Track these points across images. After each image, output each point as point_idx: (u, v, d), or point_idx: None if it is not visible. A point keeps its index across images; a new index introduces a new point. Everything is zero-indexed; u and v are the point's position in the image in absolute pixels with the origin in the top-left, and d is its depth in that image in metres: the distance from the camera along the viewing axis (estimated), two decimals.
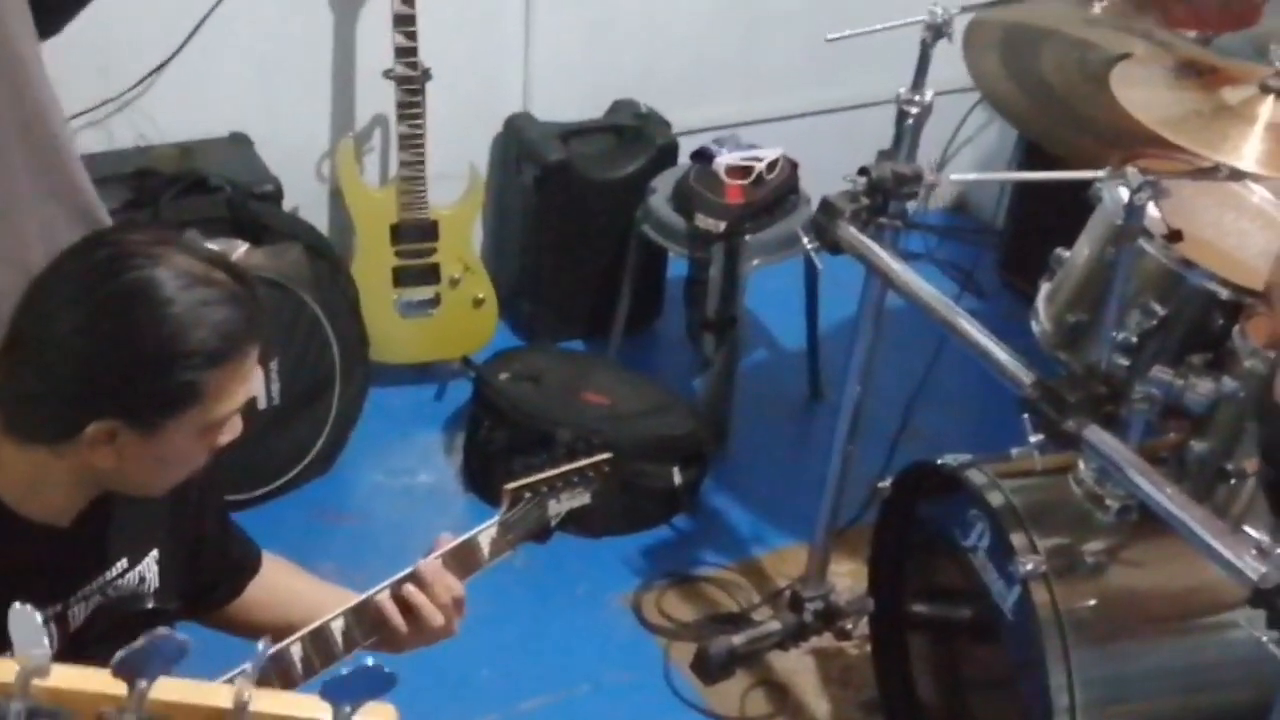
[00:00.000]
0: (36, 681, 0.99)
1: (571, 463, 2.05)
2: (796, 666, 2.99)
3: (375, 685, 0.97)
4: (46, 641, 0.99)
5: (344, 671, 1.00)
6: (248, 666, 0.99)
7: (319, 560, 2.91)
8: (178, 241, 1.62)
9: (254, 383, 1.69)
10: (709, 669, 2.85)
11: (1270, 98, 2.27)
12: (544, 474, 1.99)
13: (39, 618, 1.54)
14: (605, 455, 2.08)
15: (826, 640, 2.97)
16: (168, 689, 0.99)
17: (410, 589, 1.83)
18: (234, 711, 0.98)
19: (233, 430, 1.66)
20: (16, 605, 1.50)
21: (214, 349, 1.54)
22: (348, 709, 0.96)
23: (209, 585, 1.94)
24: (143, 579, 1.77)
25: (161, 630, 1.30)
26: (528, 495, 1.96)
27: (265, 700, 1.00)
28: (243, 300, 1.58)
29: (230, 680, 1.68)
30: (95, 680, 1.02)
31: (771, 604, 3.10)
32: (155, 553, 1.79)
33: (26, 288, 1.58)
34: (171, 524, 1.81)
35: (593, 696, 2.91)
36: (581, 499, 2.05)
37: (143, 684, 0.98)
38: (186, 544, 1.86)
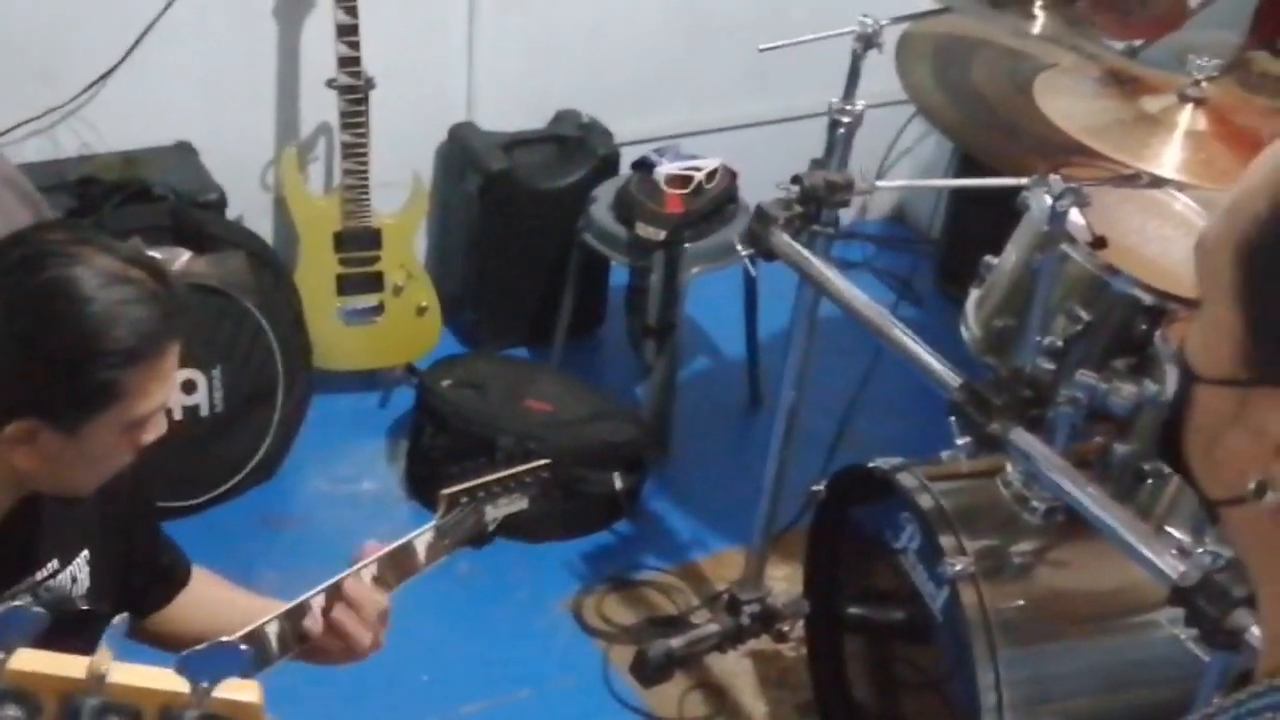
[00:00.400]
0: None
1: (509, 469, 2.04)
2: (734, 669, 3.00)
3: (234, 662, 0.97)
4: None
5: (200, 647, 0.99)
6: (108, 639, 0.98)
7: (262, 568, 2.96)
8: (96, 241, 1.60)
9: (174, 381, 1.68)
10: (647, 672, 2.85)
11: (1189, 106, 2.33)
12: (481, 479, 1.98)
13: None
14: (543, 461, 2.08)
15: (764, 643, 2.97)
16: (27, 660, 0.98)
17: (338, 613, 1.81)
18: (91, 681, 0.97)
19: (156, 429, 1.65)
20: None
21: (132, 347, 1.53)
22: (205, 684, 0.96)
23: (139, 590, 1.92)
24: (74, 579, 1.76)
25: (17, 603, 1.31)
26: (464, 500, 1.96)
27: (122, 673, 0.98)
28: (162, 298, 1.57)
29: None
30: None
31: (710, 607, 3.11)
32: (86, 553, 1.77)
33: None
34: (102, 525, 1.80)
35: (533, 700, 2.92)
36: (519, 504, 2.04)
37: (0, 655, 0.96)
38: (117, 547, 1.84)
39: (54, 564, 1.72)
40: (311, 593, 1.81)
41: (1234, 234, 0.87)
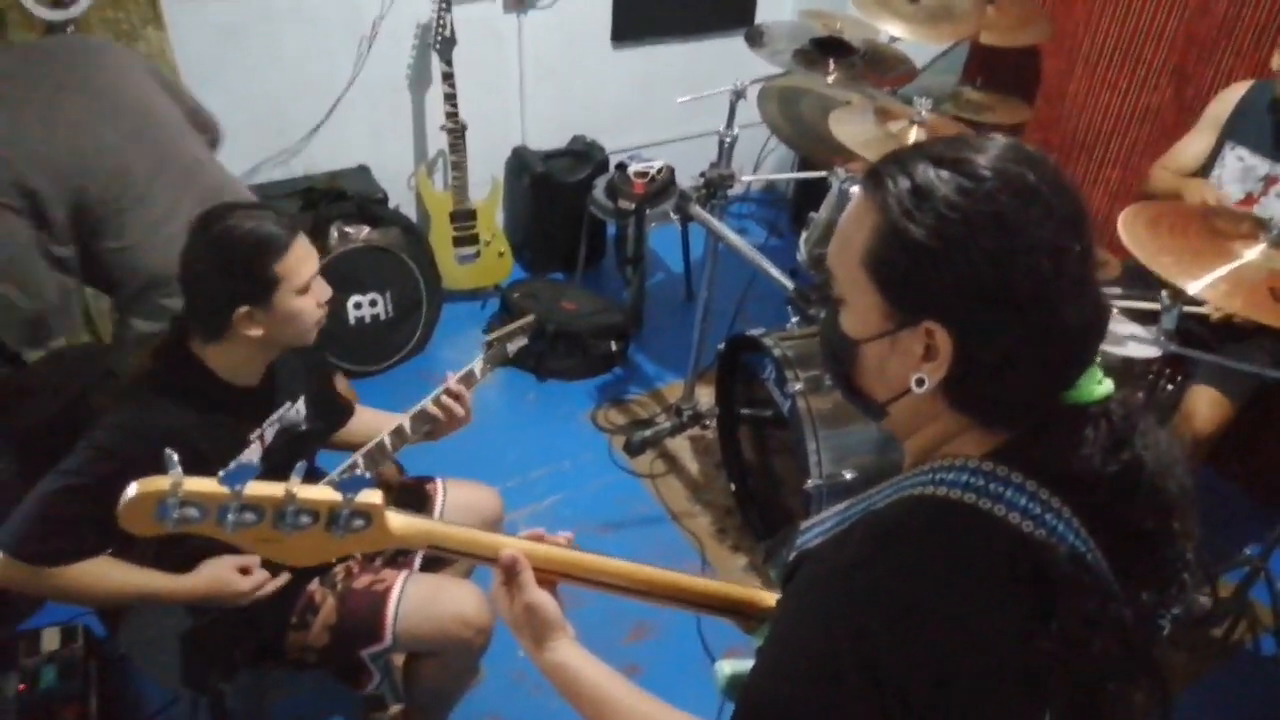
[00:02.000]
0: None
1: (518, 321, 1.96)
2: (679, 446, 3.01)
3: (365, 482, 0.95)
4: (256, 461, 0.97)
5: (344, 477, 0.98)
6: (295, 472, 0.93)
7: (418, 398, 2.94)
8: (238, 204, 1.57)
9: (313, 258, 1.57)
10: (632, 450, 2.91)
11: (915, 128, 2.29)
12: (502, 330, 1.90)
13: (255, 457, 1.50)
14: (530, 318, 1.98)
15: (695, 432, 3.02)
16: (253, 487, 0.92)
17: (446, 399, 1.75)
18: (287, 496, 0.93)
19: (321, 290, 1.58)
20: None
21: (276, 245, 1.50)
22: (350, 495, 0.94)
23: (335, 414, 1.88)
24: (299, 412, 1.73)
25: (243, 461, 1.31)
26: (494, 343, 1.88)
27: (304, 490, 0.94)
28: (282, 219, 1.53)
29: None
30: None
31: (666, 413, 3.10)
32: (303, 397, 1.74)
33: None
34: (308, 381, 1.76)
35: (571, 467, 2.90)
36: (521, 341, 1.94)
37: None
38: (318, 392, 1.80)
39: (287, 404, 1.70)
40: (428, 397, 1.77)
41: (859, 248, 0.84)
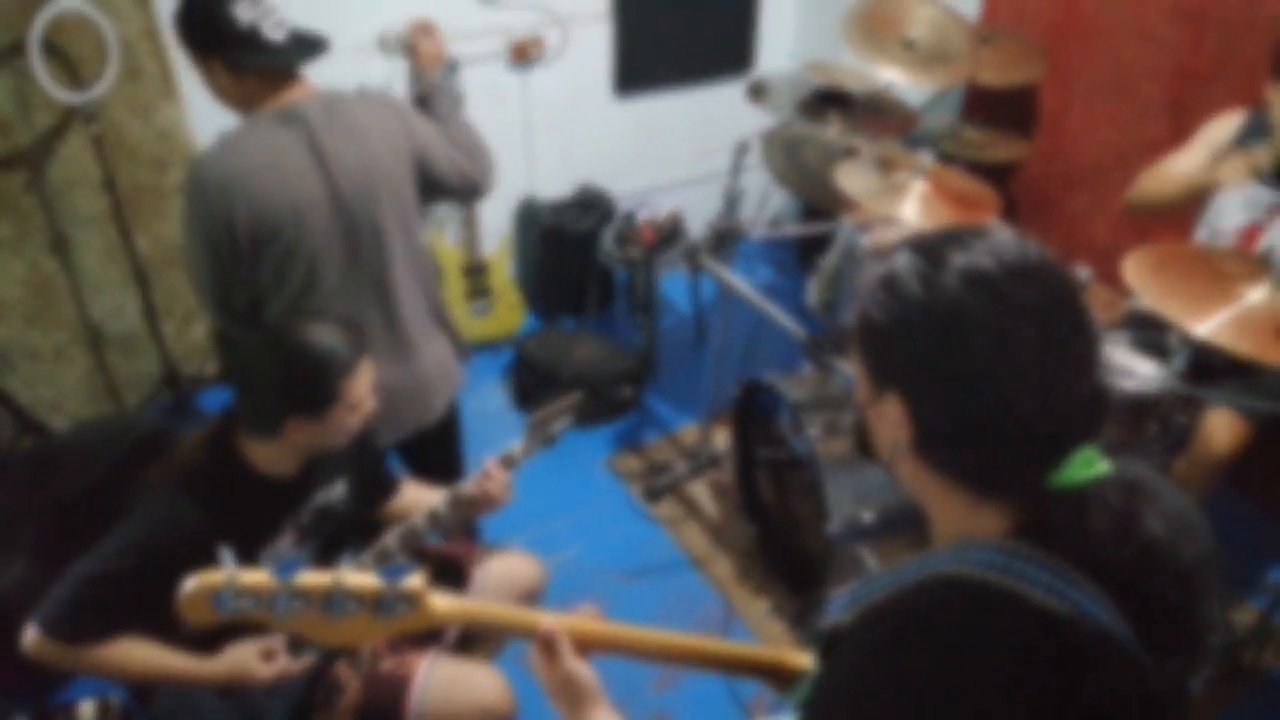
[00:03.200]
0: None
1: (564, 399, 1.90)
2: (698, 490, 3.01)
3: (406, 569, 1.03)
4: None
5: (385, 564, 1.03)
6: (345, 562, 0.97)
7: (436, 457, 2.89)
8: (309, 317, 1.60)
9: (370, 378, 1.61)
10: (651, 496, 2.94)
11: (919, 179, 2.28)
12: (546, 410, 1.85)
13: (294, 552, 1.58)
14: (576, 395, 1.93)
15: (713, 475, 3.03)
16: (303, 577, 0.98)
17: (485, 484, 1.76)
18: (334, 584, 0.98)
19: (368, 405, 1.62)
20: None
21: (345, 365, 1.55)
22: (393, 581, 1.00)
23: (376, 495, 1.90)
24: (338, 494, 1.75)
25: (297, 553, 1.31)
26: (538, 423, 1.85)
27: (351, 577, 0.99)
28: (351, 338, 1.58)
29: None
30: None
31: (682, 458, 3.11)
32: (343, 481, 1.76)
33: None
34: (350, 463, 1.78)
35: (592, 514, 2.90)
36: (566, 422, 1.90)
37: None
38: (361, 473, 1.82)
39: (326, 488, 1.72)
40: (466, 480, 1.78)
41: (854, 323, 0.94)
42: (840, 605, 1.00)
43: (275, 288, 1.85)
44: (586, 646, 1.09)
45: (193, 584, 0.96)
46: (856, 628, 0.92)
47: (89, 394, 3.12)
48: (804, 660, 1.16)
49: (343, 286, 1.88)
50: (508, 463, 1.82)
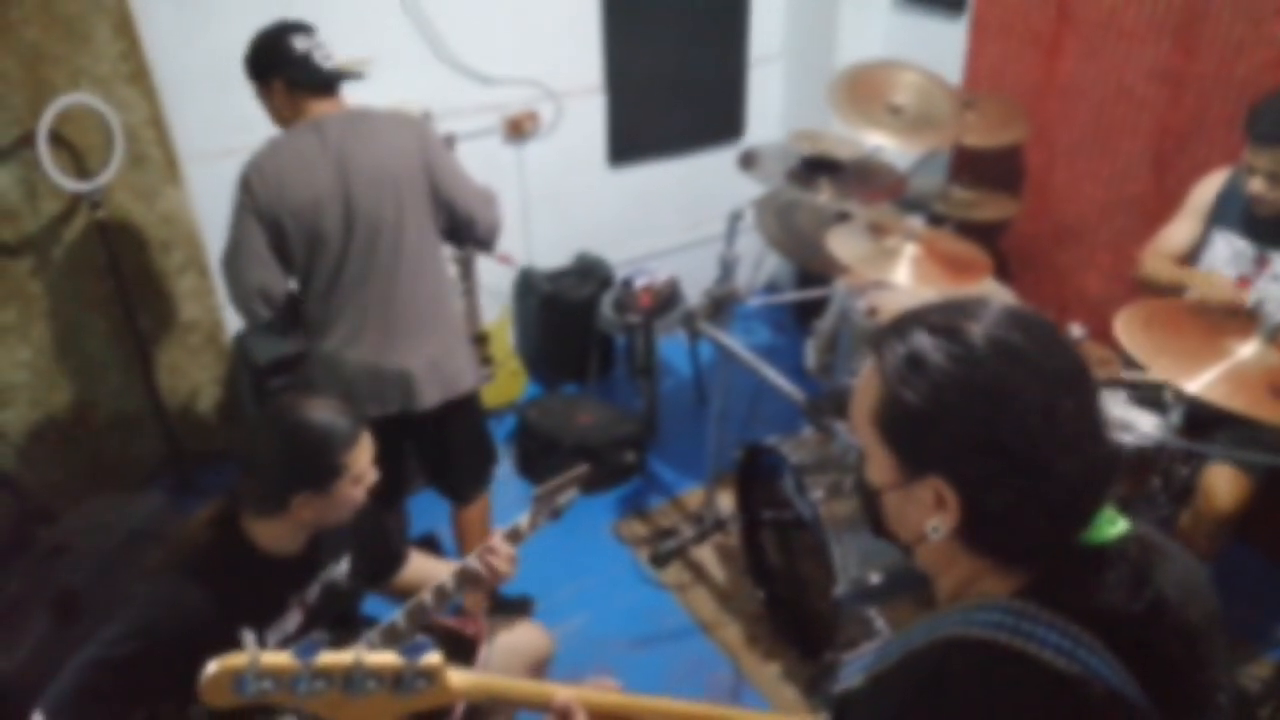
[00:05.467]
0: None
1: (570, 470, 1.91)
2: (704, 555, 2.99)
3: (425, 645, 1.02)
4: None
5: (405, 641, 1.03)
6: (364, 642, 0.98)
7: (444, 527, 2.79)
8: (307, 395, 1.61)
9: (371, 452, 1.63)
10: (658, 561, 2.91)
11: (910, 243, 2.30)
12: (552, 483, 1.87)
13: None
14: (584, 468, 1.94)
15: (719, 539, 3.01)
16: (322, 658, 0.99)
17: (490, 559, 1.78)
18: (355, 664, 0.99)
19: (372, 477, 1.64)
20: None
21: (344, 440, 1.56)
22: (412, 658, 1.01)
23: (381, 568, 1.89)
24: (342, 571, 1.75)
25: (314, 637, 1.29)
26: (544, 495, 1.86)
27: (372, 657, 1.00)
28: (352, 412, 1.59)
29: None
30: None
31: (688, 522, 3.09)
32: (347, 557, 1.76)
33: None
34: (354, 539, 1.78)
35: (598, 582, 2.89)
36: (574, 494, 1.91)
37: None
38: (365, 549, 1.82)
39: (329, 566, 1.72)
40: (472, 554, 1.80)
41: (867, 409, 0.91)
42: (852, 671, 1.01)
43: (307, 273, 2.14)
44: (602, 718, 1.09)
45: (215, 667, 0.97)
46: (868, 693, 0.93)
47: (94, 476, 3.12)
48: None
49: (359, 275, 2.14)
50: (514, 537, 1.82)
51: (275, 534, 1.60)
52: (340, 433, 1.57)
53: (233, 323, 3.22)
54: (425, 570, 1.92)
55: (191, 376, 3.25)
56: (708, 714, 1.14)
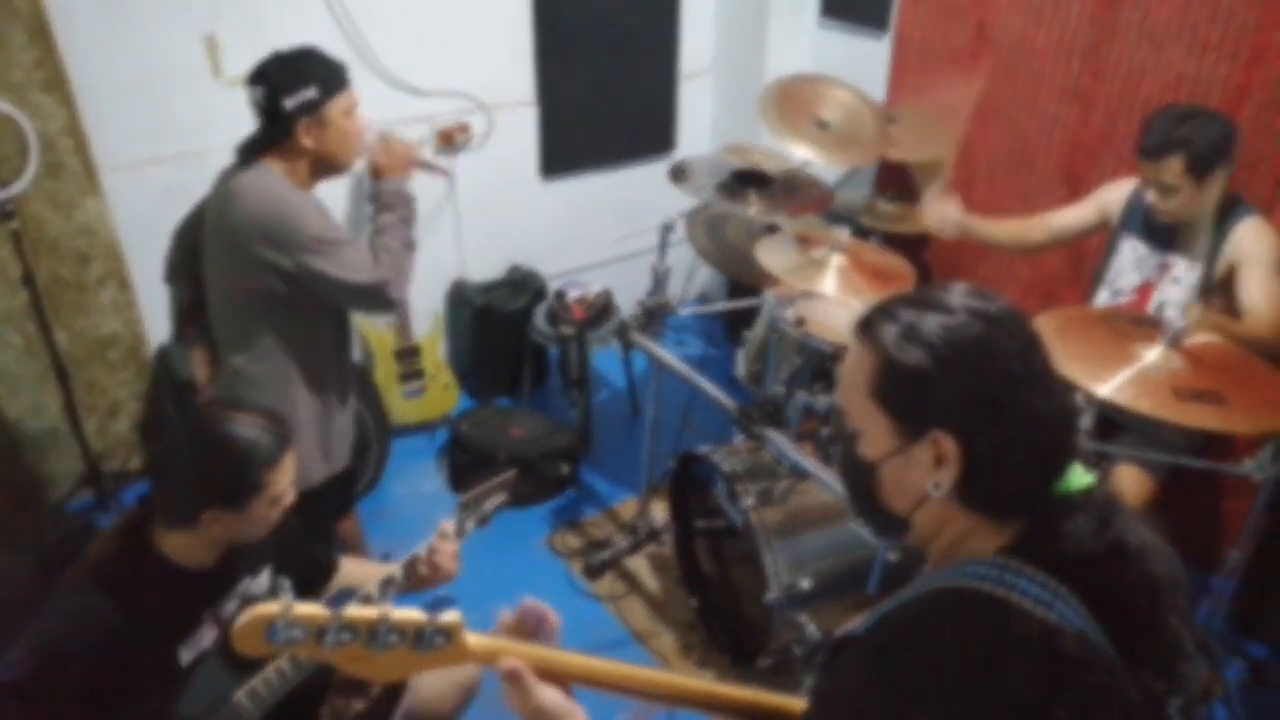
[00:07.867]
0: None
1: (498, 476, 1.94)
2: (638, 565, 3.02)
3: (448, 604, 1.06)
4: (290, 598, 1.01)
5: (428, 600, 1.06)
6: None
7: (374, 538, 2.83)
8: (233, 406, 1.59)
9: (293, 472, 1.61)
10: (591, 573, 2.94)
11: (836, 253, 2.37)
12: (479, 488, 1.89)
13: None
14: (511, 472, 1.97)
15: (653, 549, 3.04)
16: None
17: (435, 554, 1.79)
18: (380, 618, 1.00)
19: (288, 498, 1.61)
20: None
21: (266, 458, 1.53)
22: (435, 614, 1.03)
23: (311, 578, 1.88)
24: (261, 584, 1.72)
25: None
26: (470, 501, 1.89)
27: (398, 613, 1.01)
28: (276, 430, 1.57)
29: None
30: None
31: (622, 532, 3.13)
32: (267, 570, 1.74)
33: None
34: (274, 552, 1.75)
35: (533, 594, 2.67)
36: (501, 498, 1.94)
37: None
38: (287, 561, 1.79)
39: (248, 577, 1.70)
40: (418, 548, 1.79)
41: (864, 384, 0.99)
42: (849, 630, 1.06)
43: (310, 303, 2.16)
44: (556, 678, 1.09)
45: (248, 615, 0.98)
46: (860, 637, 0.99)
47: (7, 494, 3.01)
48: (793, 704, 1.17)
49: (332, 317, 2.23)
50: (445, 538, 1.82)
51: (185, 546, 1.56)
52: (263, 450, 1.53)
53: (155, 337, 3.15)
54: (360, 577, 1.89)
55: (111, 393, 3.16)
56: (678, 684, 1.14)
